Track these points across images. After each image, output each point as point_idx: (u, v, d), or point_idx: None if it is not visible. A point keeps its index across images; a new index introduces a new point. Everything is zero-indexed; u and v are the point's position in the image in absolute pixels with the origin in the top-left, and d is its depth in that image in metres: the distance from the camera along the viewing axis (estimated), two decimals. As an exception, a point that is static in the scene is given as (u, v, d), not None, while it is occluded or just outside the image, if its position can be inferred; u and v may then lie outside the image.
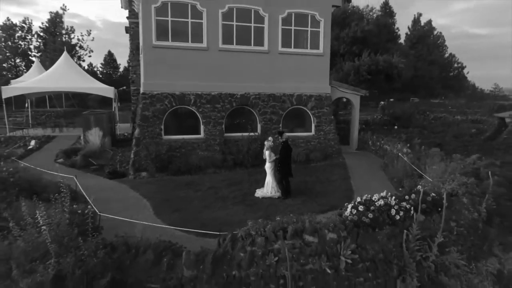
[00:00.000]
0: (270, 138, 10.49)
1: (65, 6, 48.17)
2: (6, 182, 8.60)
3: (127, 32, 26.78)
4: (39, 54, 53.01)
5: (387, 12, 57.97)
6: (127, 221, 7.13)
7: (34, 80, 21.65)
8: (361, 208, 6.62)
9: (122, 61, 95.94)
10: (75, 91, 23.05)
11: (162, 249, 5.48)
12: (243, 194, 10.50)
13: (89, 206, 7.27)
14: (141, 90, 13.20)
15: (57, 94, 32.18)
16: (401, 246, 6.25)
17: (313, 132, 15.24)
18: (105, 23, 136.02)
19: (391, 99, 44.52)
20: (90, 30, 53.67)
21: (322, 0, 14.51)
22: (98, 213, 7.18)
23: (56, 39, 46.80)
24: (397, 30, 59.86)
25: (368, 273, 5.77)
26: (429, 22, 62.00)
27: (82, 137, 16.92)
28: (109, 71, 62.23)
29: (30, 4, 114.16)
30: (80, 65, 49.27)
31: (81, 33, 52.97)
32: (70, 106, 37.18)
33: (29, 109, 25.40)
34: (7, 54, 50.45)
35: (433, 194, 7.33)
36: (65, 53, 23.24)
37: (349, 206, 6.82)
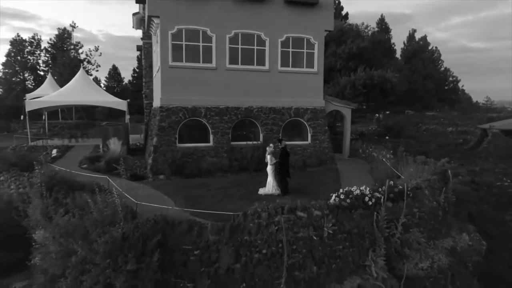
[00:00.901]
0: (271, 145, 12.60)
1: (74, 23, 50.89)
2: (52, 181, 10.63)
3: (138, 50, 29.26)
4: (46, 68, 55.68)
5: (383, 28, 60.98)
6: (154, 208, 9.10)
7: (54, 94, 23.87)
8: (342, 196, 8.67)
9: (125, 74, 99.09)
10: (92, 104, 25.18)
11: (192, 223, 7.52)
12: (248, 192, 12.51)
13: (123, 199, 9.38)
14: (159, 104, 15.34)
15: (68, 107, 34.42)
16: (372, 224, 8.28)
17: (309, 141, 17.34)
18: (107, 37, 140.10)
19: (387, 112, 46.87)
20: (98, 46, 56.00)
21: (316, 26, 16.83)
22: (135, 201, 9.22)
23: (65, 54, 49.36)
24: (393, 45, 62.93)
25: (345, 243, 7.79)
26: (424, 37, 65.02)
27: (101, 146, 19.00)
28: (113, 85, 64.66)
29: (33, 18, 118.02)
30: (87, 79, 51.84)
31: (89, 48, 56.14)
32: (79, 118, 39.45)
33: (46, 121, 27.49)
34: (17, 68, 53.00)
35: (400, 186, 9.37)
36: (81, 70, 25.57)
37: (333, 195, 8.87)
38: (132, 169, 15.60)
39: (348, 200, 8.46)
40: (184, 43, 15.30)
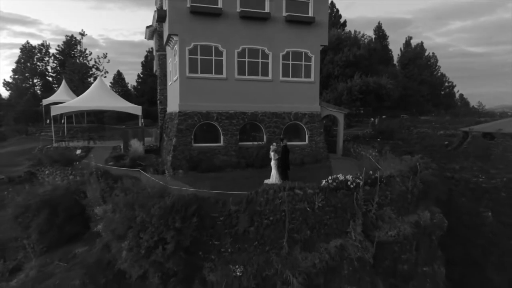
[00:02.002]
0: (274, 143, 15.43)
1: (83, 31, 53.83)
2: (97, 172, 13.40)
3: (145, 58, 31.92)
4: (54, 74, 58.64)
5: (380, 35, 64.05)
6: (178, 190, 11.83)
7: (76, 100, 26.71)
8: (330, 181, 11.45)
9: (126, 79, 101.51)
10: (111, 109, 27.98)
11: (217, 198, 10.30)
12: (255, 183, 15.17)
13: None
14: (178, 110, 18.12)
15: (81, 111, 37.22)
16: (352, 202, 11.05)
17: (306, 142, 20.13)
18: (108, 42, 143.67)
19: (384, 116, 49.74)
20: (106, 53, 58.90)
21: (313, 41, 19.71)
22: (169, 186, 11.99)
23: (74, 61, 52.30)
24: (390, 52, 66.13)
25: (331, 214, 10.56)
26: (421, 44, 68.14)
27: (122, 146, 21.77)
28: (118, 90, 67.32)
29: (34, 23, 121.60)
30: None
31: (98, 55, 58.99)
32: (90, 122, 42.30)
33: (65, 124, 30.23)
34: (26, 74, 55.90)
35: (376, 175, 12.15)
36: (99, 78, 28.41)
37: (323, 181, 11.65)
38: (153, 165, 18.38)
39: (334, 184, 11.25)
40: (199, 57, 18.15)
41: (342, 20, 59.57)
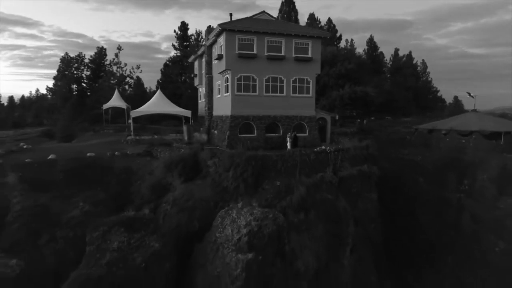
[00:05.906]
0: (289, 134, 30.11)
1: (120, 46, 68.42)
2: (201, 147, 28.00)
3: (192, 77, 46.59)
4: (87, 81, 73.04)
5: (372, 46, 79.11)
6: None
7: (146, 105, 41.19)
8: (318, 149, 26.10)
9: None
10: (170, 113, 42.43)
11: (267, 155, 24.98)
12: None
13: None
14: (230, 114, 32.53)
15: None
16: (328, 158, 25.76)
17: (307, 134, 34.66)
18: (109, 44, 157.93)
19: (372, 118, 64.53)
20: (139, 65, 73.65)
21: (310, 71, 34.34)
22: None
23: (112, 70, 66.97)
24: (384, 58, 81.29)
25: (318, 163, 25.37)
26: (409, 53, 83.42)
27: (187, 137, 36.20)
28: (137, 94, 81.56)
29: (36, 25, 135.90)
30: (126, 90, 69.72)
31: (132, 66, 73.62)
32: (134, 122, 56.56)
33: (132, 124, 44.52)
34: (65, 81, 70.23)
35: (341, 147, 26.76)
36: (159, 90, 42.97)
37: (315, 149, 26.29)
38: (217, 147, 32.91)
39: (319, 150, 25.90)
40: (242, 82, 32.70)
41: (338, 35, 74.68)
